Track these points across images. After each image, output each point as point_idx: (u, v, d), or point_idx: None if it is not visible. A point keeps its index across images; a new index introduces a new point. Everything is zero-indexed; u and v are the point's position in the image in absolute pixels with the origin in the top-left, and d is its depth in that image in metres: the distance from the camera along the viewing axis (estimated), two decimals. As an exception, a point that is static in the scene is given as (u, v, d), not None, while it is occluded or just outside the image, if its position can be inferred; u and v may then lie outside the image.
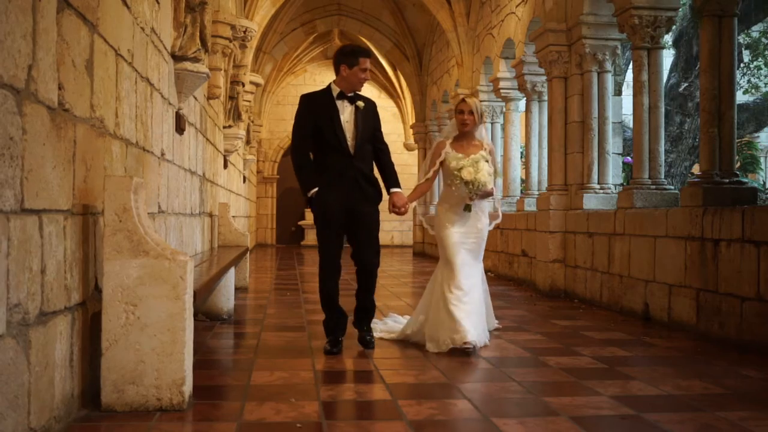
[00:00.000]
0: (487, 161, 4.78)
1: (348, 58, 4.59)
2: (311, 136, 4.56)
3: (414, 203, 5.30)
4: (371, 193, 4.63)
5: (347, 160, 4.52)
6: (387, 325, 5.39)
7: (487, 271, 11.71)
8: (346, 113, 4.57)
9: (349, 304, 4.82)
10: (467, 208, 4.83)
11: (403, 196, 4.74)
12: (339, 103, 4.57)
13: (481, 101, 4.67)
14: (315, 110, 4.57)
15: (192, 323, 3.27)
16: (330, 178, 4.53)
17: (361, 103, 4.60)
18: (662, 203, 6.53)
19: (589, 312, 6.80)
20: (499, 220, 5.08)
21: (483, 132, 5.05)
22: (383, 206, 4.38)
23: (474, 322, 4.65)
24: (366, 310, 4.78)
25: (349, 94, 4.61)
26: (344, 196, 4.52)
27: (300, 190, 4.65)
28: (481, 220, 4.92)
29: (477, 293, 4.85)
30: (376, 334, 4.98)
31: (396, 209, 4.71)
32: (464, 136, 4.96)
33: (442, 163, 4.93)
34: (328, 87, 4.67)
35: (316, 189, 4.52)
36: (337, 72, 4.63)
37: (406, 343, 4.93)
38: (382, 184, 4.72)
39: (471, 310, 4.68)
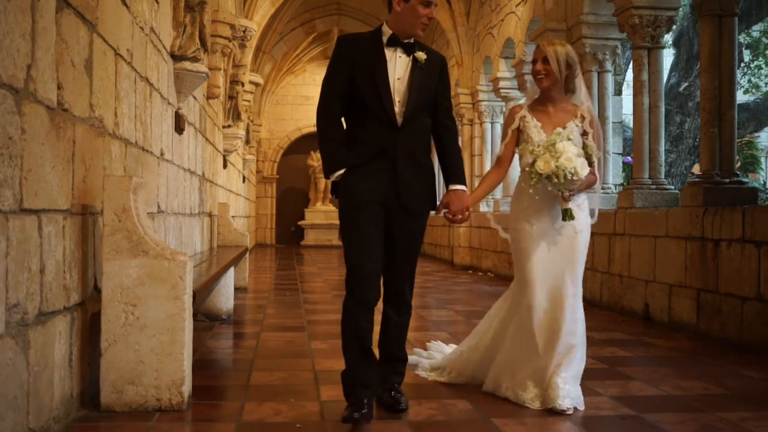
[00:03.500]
0: (569, 138, 3.29)
1: None
2: (346, 95, 3.19)
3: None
4: (419, 188, 3.19)
5: (390, 133, 3.12)
6: (435, 359, 4.03)
7: (487, 271, 11.91)
8: (399, 67, 3.17)
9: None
10: (567, 215, 3.33)
11: (466, 198, 3.27)
12: (389, 51, 3.17)
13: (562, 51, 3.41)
14: (354, 60, 3.17)
15: (191, 323, 3.26)
16: (363, 156, 3.13)
17: (422, 55, 3.17)
18: (662, 203, 6.53)
19: (589, 312, 6.75)
20: (593, 220, 3.56)
21: (582, 93, 3.50)
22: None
23: (569, 376, 3.28)
24: (394, 362, 3.32)
25: (406, 41, 3.19)
26: (379, 187, 3.12)
27: (323, 170, 3.29)
28: (579, 222, 3.40)
29: (570, 332, 3.36)
30: (424, 374, 3.84)
31: (451, 216, 3.25)
32: (548, 98, 3.46)
33: (519, 135, 3.50)
34: (378, 29, 3.25)
35: (342, 171, 3.14)
36: (390, 7, 3.20)
37: (406, 342, 4.86)
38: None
39: (561, 354, 3.30)
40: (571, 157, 3.22)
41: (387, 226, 3.16)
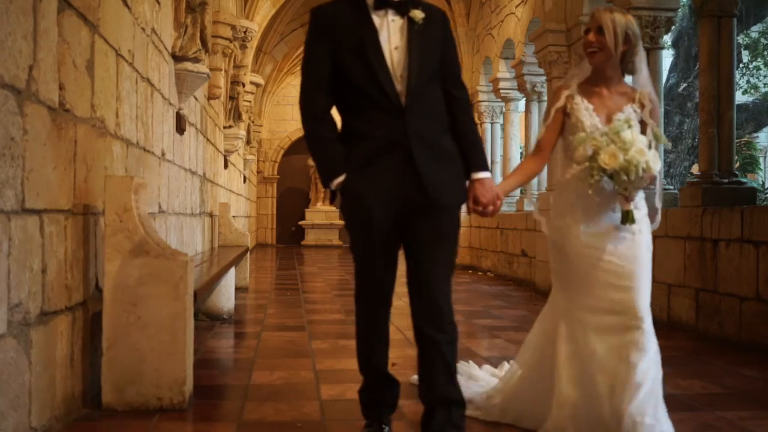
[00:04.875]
0: (629, 126, 2.66)
1: None
2: (332, 81, 2.58)
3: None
4: (446, 178, 2.57)
5: (396, 119, 2.51)
6: (470, 389, 3.24)
7: (486, 270, 11.91)
8: (394, 34, 2.54)
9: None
10: (627, 218, 2.70)
11: (494, 186, 2.65)
12: (378, 17, 2.55)
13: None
14: (336, 35, 2.55)
15: (192, 323, 3.27)
16: (367, 154, 2.53)
17: (418, 14, 2.55)
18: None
19: (589, 312, 6.79)
20: (656, 224, 2.86)
21: (644, 75, 2.84)
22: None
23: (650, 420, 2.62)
24: (448, 406, 2.56)
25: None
26: (395, 187, 2.52)
27: (319, 177, 2.67)
28: (639, 222, 2.76)
29: (643, 372, 2.66)
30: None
31: (481, 208, 2.63)
32: (602, 77, 2.82)
33: (565, 118, 2.85)
34: None
35: (342, 177, 2.56)
36: None
37: (409, 342, 4.90)
38: None
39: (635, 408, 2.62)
40: (642, 149, 2.59)
41: (414, 230, 2.58)
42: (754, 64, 15.60)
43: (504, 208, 10.98)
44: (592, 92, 2.83)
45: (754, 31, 14.83)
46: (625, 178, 2.60)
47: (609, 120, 2.75)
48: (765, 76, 16.04)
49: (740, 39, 13.44)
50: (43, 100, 2.61)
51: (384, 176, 2.53)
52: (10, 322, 2.34)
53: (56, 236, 2.77)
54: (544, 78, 8.94)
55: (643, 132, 2.75)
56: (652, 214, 2.88)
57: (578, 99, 2.81)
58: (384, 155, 2.53)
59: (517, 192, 11.01)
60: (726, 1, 5.57)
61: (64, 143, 2.86)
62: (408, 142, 2.51)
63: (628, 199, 2.69)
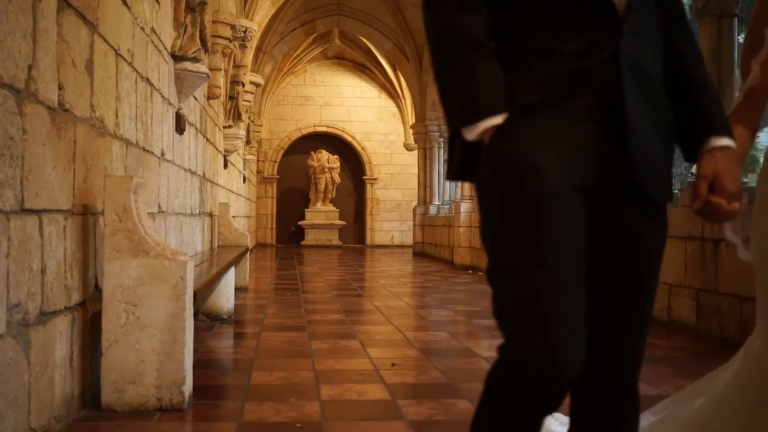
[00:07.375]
0: None
1: None
2: None
3: None
4: (659, 152, 1.46)
5: (601, 30, 1.34)
6: None
7: (485, 270, 11.70)
8: None
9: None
10: None
11: (737, 164, 1.49)
12: None
13: None
14: None
15: (192, 323, 3.27)
16: (543, 86, 1.34)
17: None
18: (662, 203, 6.54)
19: (589, 312, 6.79)
20: None
21: None
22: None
23: None
24: None
25: None
26: (581, 155, 1.36)
27: (448, 121, 1.41)
28: None
29: None
30: None
31: (725, 202, 1.46)
32: None
33: None
34: None
35: (500, 118, 1.33)
36: None
37: (406, 342, 4.89)
38: None
39: None
40: None
41: (600, 239, 1.44)
42: (755, 63, 15.62)
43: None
44: None
45: (755, 30, 14.85)
46: None
47: None
48: (765, 76, 16.05)
49: (741, 39, 13.45)
50: (42, 99, 2.61)
51: (566, 130, 1.37)
52: (9, 322, 2.33)
53: (55, 236, 2.76)
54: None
55: None
56: None
57: None
58: (573, 91, 1.36)
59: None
60: (727, 1, 5.57)
61: (64, 143, 2.85)
62: (619, 74, 1.36)
63: None
